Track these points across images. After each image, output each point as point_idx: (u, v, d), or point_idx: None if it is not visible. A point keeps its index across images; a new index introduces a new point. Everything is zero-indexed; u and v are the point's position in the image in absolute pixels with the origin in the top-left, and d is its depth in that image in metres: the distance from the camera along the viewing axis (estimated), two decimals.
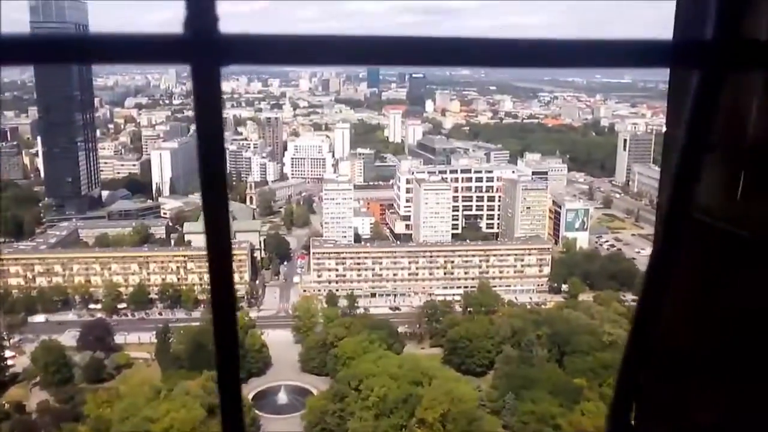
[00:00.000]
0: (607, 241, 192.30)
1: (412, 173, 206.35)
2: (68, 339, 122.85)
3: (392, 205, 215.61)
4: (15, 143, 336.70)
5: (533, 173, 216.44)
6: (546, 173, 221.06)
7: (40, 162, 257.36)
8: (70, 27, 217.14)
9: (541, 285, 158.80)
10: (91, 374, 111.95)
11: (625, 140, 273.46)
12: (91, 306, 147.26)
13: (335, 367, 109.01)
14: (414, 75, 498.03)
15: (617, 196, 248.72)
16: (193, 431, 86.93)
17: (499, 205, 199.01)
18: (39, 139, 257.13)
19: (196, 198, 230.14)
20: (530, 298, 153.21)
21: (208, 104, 1.24)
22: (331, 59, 1.24)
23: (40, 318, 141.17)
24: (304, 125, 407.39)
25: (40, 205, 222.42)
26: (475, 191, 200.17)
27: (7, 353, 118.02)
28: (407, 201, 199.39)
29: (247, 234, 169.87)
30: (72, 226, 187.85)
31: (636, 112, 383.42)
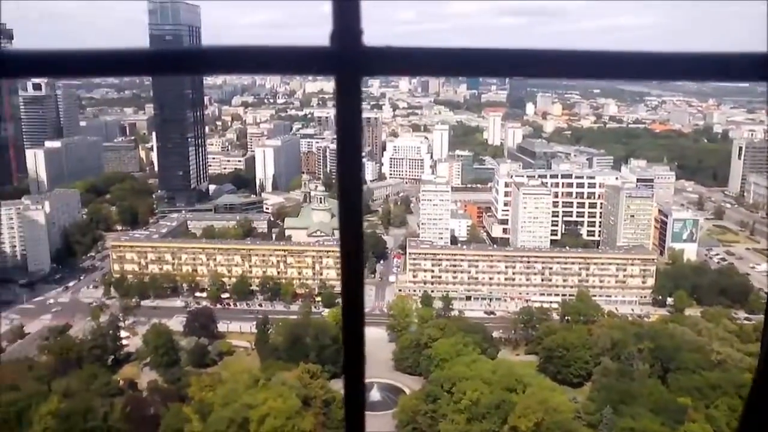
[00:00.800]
0: (717, 255, 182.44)
1: (511, 177, 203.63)
2: (176, 324, 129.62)
3: (490, 208, 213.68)
4: (133, 138, 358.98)
5: (638, 180, 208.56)
6: (652, 181, 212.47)
7: (154, 156, 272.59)
8: (184, 29, 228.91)
9: (644, 297, 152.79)
10: (195, 359, 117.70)
11: (740, 148, 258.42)
12: (197, 294, 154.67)
13: (428, 367, 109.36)
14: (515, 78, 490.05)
15: (729, 207, 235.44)
16: (289, 420, 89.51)
17: (600, 212, 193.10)
18: (154, 134, 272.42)
19: (296, 194, 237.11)
20: (632, 310, 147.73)
21: (349, 113, 1.31)
22: (470, 71, 1.28)
23: (151, 303, 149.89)
24: (403, 126, 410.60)
25: (154, 196, 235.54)
26: (576, 197, 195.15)
27: (122, 333, 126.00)
28: (505, 205, 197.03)
29: None
30: (182, 217, 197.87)
31: (753, 119, 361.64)
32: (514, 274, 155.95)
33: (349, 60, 1.28)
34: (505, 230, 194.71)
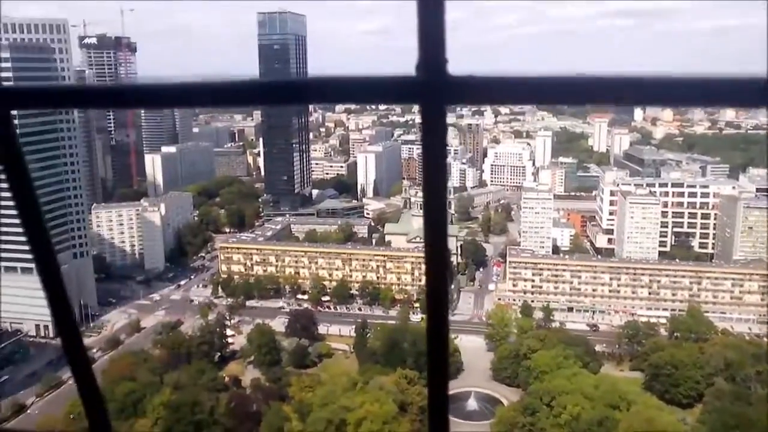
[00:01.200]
0: None
1: (617, 185, 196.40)
2: (278, 324, 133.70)
3: (594, 217, 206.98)
4: (241, 144, 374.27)
5: (758, 190, 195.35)
6: None
7: (261, 161, 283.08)
8: (290, 38, 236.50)
9: (763, 315, 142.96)
10: (296, 359, 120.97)
11: None
12: (299, 296, 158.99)
13: (527, 379, 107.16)
14: None
15: None
16: (385, 425, 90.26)
17: (714, 224, 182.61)
18: (261, 140, 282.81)
19: (397, 200, 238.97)
20: (749, 329, 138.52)
21: (434, 141, 1.40)
22: (554, 100, 1.33)
23: (255, 303, 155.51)
24: (504, 132, 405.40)
25: (260, 200, 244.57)
26: (688, 207, 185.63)
27: (228, 332, 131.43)
28: (611, 214, 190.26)
29: None
30: (286, 221, 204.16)
31: None
32: (619, 286, 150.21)
33: (434, 90, 1.34)
34: (610, 240, 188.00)
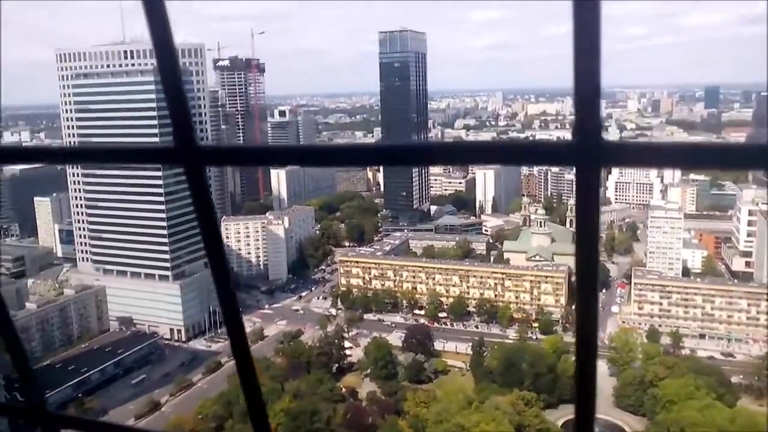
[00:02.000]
0: None
1: (756, 204, 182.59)
2: (395, 339, 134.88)
3: (729, 238, 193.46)
4: None
5: None
6: None
7: (381, 177, 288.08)
8: (411, 55, 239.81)
9: None
10: (412, 374, 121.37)
11: None
12: (416, 311, 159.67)
13: (653, 408, 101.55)
14: (763, 93, 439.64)
15: None
16: None
17: None
18: None
19: (515, 218, 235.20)
20: None
21: (588, 201, 1.46)
22: (705, 164, 1.35)
23: (373, 316, 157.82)
24: None
25: (379, 215, 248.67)
26: None
27: (346, 344, 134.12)
28: (748, 235, 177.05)
29: (565, 257, 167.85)
30: (404, 236, 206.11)
31: None
32: (758, 313, 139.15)
33: (589, 154, 1.40)
34: (747, 264, 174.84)
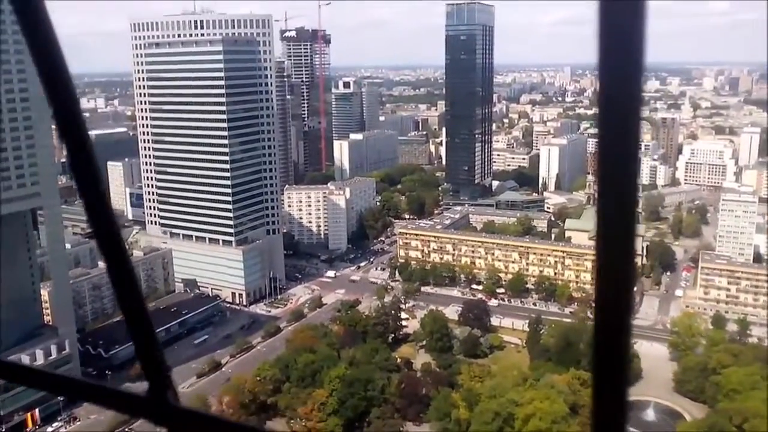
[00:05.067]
0: None
1: None
2: (451, 312, 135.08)
3: None
4: (424, 133, 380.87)
5: None
6: None
7: (443, 150, 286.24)
8: (478, 29, 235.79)
9: None
10: (467, 348, 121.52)
11: None
12: (474, 286, 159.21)
13: (715, 396, 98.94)
14: None
15: None
16: (554, 424, 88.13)
17: None
18: (444, 129, 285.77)
19: (579, 196, 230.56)
20: None
21: None
22: None
23: (430, 289, 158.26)
24: (704, 128, 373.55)
25: (440, 189, 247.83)
26: None
27: (403, 315, 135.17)
28: None
29: None
30: (464, 210, 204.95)
31: None
32: None
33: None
34: None
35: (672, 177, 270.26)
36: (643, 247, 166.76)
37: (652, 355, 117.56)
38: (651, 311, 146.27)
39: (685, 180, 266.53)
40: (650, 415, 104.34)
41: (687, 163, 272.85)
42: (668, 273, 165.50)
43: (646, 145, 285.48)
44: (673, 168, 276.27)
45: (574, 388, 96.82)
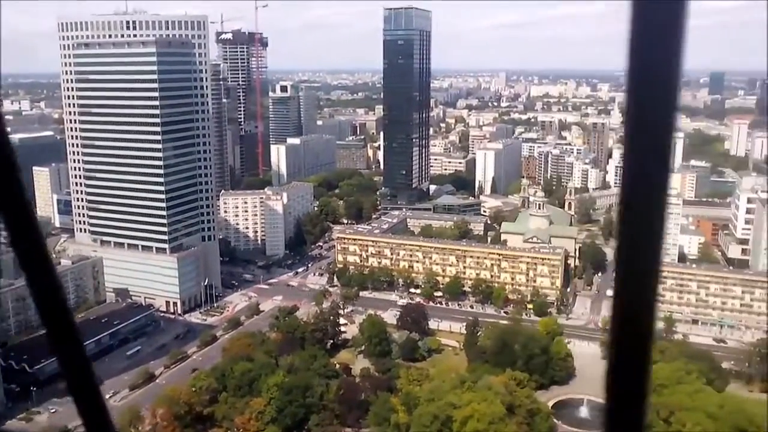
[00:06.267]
0: None
1: (756, 192, 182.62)
2: (390, 317, 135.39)
3: (727, 225, 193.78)
4: (362, 137, 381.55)
5: None
6: None
7: (380, 155, 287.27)
8: (415, 34, 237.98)
9: None
10: (406, 352, 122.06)
11: None
12: (412, 290, 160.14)
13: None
14: None
15: None
16: (491, 425, 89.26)
17: None
18: (382, 134, 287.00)
19: (515, 199, 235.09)
20: None
21: None
22: None
23: (369, 294, 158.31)
24: None
25: (378, 193, 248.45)
26: None
27: (341, 320, 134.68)
28: (746, 222, 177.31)
29: (563, 240, 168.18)
30: (402, 214, 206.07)
31: None
32: (752, 300, 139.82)
33: None
34: (744, 251, 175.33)
35: (603, 180, 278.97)
36: (575, 249, 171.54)
37: (585, 353, 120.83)
38: (584, 311, 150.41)
39: (615, 183, 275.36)
40: (584, 412, 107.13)
41: (617, 166, 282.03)
42: (600, 274, 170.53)
43: (578, 150, 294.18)
44: (604, 171, 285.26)
45: (511, 388, 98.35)
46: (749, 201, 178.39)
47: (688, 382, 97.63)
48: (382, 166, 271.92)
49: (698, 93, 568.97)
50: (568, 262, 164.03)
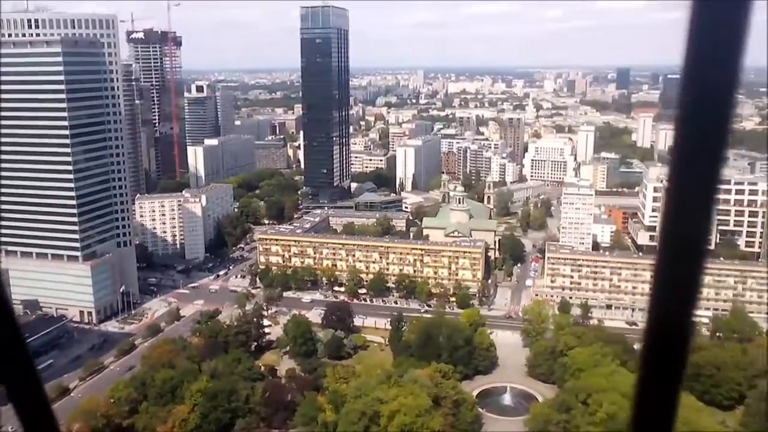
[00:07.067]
0: None
1: (661, 181, 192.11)
2: (314, 316, 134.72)
3: (636, 213, 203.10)
4: (282, 137, 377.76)
5: None
6: None
7: (301, 154, 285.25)
8: (332, 32, 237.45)
9: None
10: (331, 351, 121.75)
11: None
12: (336, 288, 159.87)
13: (563, 376, 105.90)
14: (670, 76, 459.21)
15: None
16: (418, 418, 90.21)
17: (762, 222, 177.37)
18: (301, 133, 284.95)
19: (435, 194, 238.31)
20: None
21: None
22: None
23: (292, 294, 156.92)
24: (546, 127, 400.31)
25: (299, 192, 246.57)
26: (734, 204, 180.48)
27: (265, 322, 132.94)
28: (653, 210, 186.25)
29: (483, 233, 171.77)
30: (324, 213, 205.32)
31: None
32: None
33: None
34: (652, 237, 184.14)
35: (519, 173, 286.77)
36: (495, 242, 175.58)
37: (506, 343, 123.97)
38: (504, 302, 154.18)
39: (531, 176, 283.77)
40: (507, 399, 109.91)
41: (532, 160, 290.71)
42: (519, 265, 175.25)
43: (495, 144, 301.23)
44: (520, 165, 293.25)
45: (436, 380, 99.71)
46: (655, 190, 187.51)
47: (605, 364, 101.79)
48: (302, 166, 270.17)
49: (606, 88, 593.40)
50: (489, 254, 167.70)
